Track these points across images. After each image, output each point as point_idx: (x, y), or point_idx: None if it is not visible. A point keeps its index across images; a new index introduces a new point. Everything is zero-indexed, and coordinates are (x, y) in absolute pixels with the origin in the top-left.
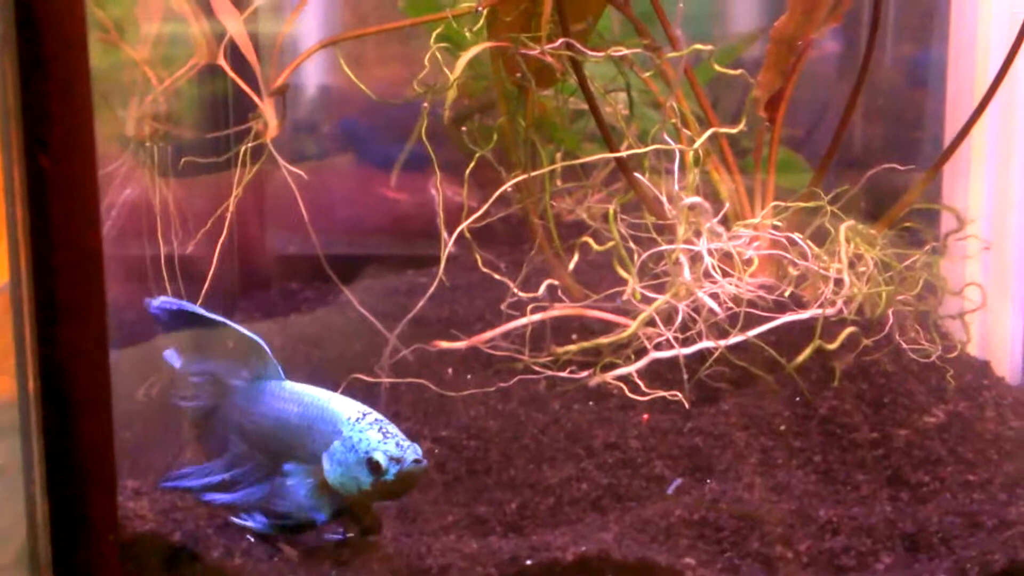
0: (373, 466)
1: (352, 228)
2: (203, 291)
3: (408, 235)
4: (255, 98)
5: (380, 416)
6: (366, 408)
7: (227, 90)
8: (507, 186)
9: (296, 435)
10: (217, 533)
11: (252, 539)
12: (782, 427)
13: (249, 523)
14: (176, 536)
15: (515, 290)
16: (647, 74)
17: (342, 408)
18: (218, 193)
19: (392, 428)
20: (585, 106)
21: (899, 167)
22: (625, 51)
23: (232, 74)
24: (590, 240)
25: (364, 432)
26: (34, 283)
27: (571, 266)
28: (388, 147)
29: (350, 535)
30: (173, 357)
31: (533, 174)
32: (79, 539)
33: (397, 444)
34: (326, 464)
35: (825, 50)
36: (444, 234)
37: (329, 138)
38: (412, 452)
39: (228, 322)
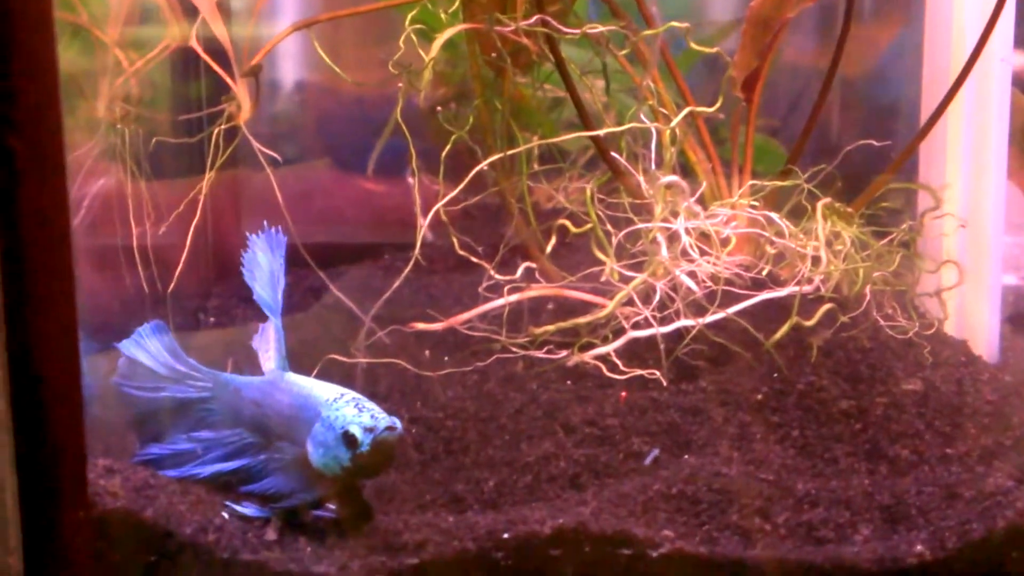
0: (349, 440)
1: (331, 219)
2: (176, 274)
3: (387, 225)
4: (228, 80)
5: (358, 395)
6: (345, 390)
7: (200, 86)
8: (483, 165)
9: (289, 424)
10: (190, 510)
11: (228, 516)
12: (760, 403)
13: (245, 510)
14: (149, 513)
15: (492, 272)
16: (622, 52)
17: (322, 392)
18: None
19: (369, 404)
20: (562, 94)
21: (875, 143)
22: (600, 28)
23: (204, 55)
24: (567, 222)
25: (340, 410)
26: (2, 262)
27: (548, 249)
28: (367, 142)
29: (341, 514)
30: (128, 347)
31: (510, 152)
32: (49, 517)
33: (372, 416)
34: (310, 448)
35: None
36: (420, 218)
37: (309, 137)
38: (385, 421)
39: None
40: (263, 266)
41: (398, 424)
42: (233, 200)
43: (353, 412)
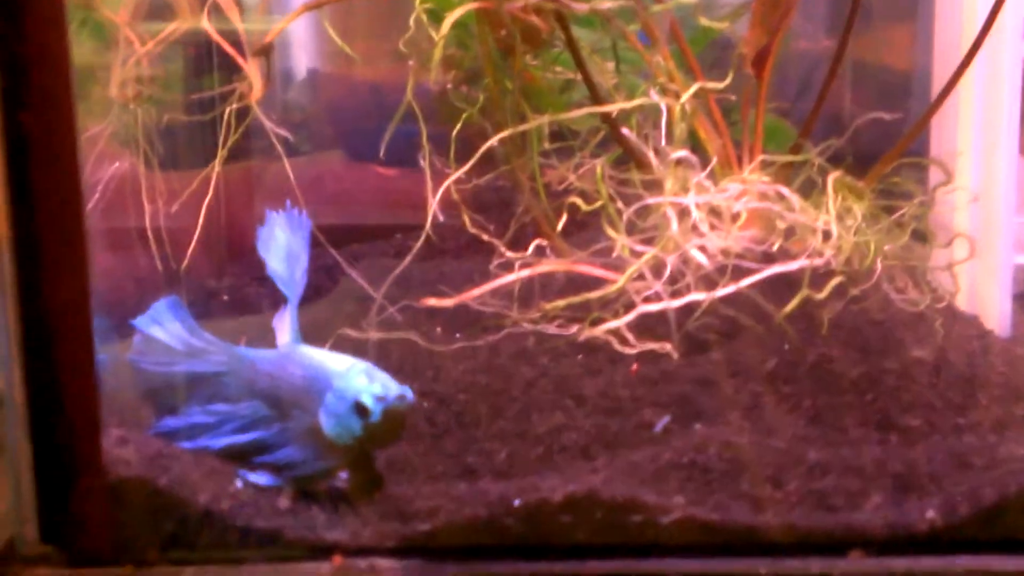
0: (360, 409)
1: (342, 209)
2: (189, 252)
3: (399, 215)
4: (240, 60)
5: (370, 366)
6: (357, 360)
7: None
8: (493, 140)
9: (302, 395)
10: (204, 478)
11: (241, 485)
12: (771, 374)
13: (258, 479)
14: (163, 481)
15: (503, 249)
16: (632, 28)
17: (335, 363)
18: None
19: (380, 374)
20: (572, 75)
21: (886, 116)
22: (610, 3)
23: (216, 35)
24: (578, 200)
25: (352, 380)
26: (16, 236)
27: (559, 227)
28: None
29: (352, 482)
30: (144, 323)
31: (520, 128)
32: (63, 485)
33: (382, 385)
34: (322, 418)
35: None
36: (431, 198)
37: (321, 128)
38: (396, 390)
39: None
40: (280, 242)
41: (409, 393)
42: (246, 190)
43: (364, 382)
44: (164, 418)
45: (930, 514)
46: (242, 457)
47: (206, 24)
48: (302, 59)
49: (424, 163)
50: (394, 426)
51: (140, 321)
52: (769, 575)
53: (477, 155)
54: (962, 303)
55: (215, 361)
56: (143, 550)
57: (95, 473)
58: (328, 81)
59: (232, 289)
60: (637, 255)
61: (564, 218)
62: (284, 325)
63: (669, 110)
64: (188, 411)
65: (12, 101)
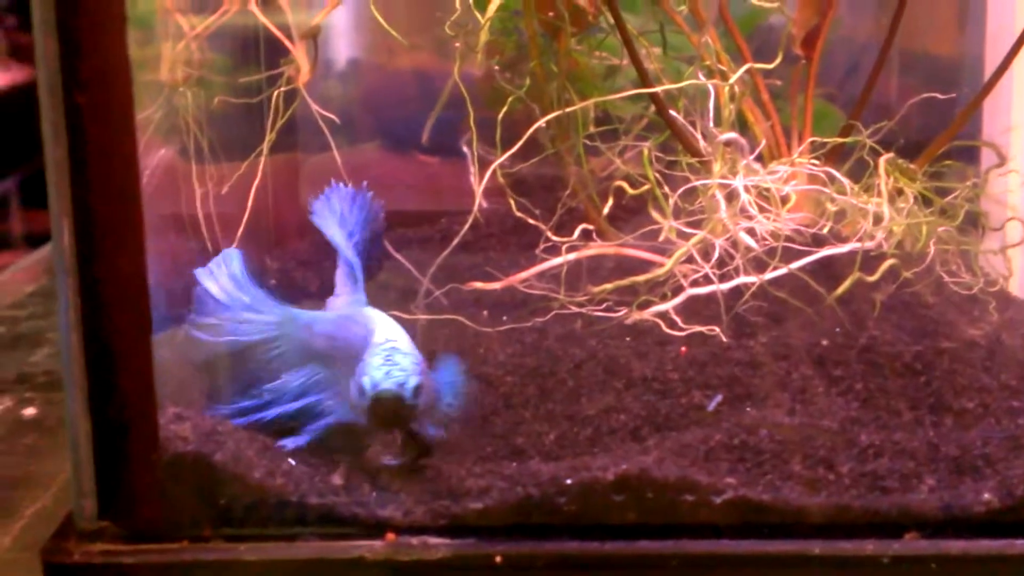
0: (360, 389)
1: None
2: (238, 234)
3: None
4: (287, 43)
5: (402, 345)
6: (397, 336)
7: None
8: (541, 123)
9: (356, 359)
10: (258, 455)
11: (294, 462)
12: (822, 356)
13: (298, 441)
14: (218, 457)
15: (548, 234)
16: (679, 8)
17: (379, 334)
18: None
19: (400, 357)
20: (617, 61)
21: (939, 95)
22: None
23: (263, 18)
24: (624, 184)
25: (373, 357)
26: (73, 214)
27: (606, 211)
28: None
29: (403, 460)
30: (203, 275)
31: (567, 110)
32: (121, 460)
33: (387, 372)
34: (351, 386)
35: None
36: (475, 181)
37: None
38: (394, 380)
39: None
40: (337, 211)
41: (410, 385)
42: (291, 179)
43: (378, 362)
44: (216, 406)
45: (986, 496)
46: (293, 424)
47: (254, 8)
48: (342, 50)
49: (468, 149)
50: (380, 413)
51: (200, 272)
52: (822, 556)
53: (523, 140)
54: (1014, 288)
55: (266, 323)
56: (198, 526)
57: (151, 449)
58: (370, 72)
59: (280, 273)
60: (685, 238)
61: (610, 203)
62: (344, 286)
63: (717, 92)
64: (241, 396)
65: (71, 78)
